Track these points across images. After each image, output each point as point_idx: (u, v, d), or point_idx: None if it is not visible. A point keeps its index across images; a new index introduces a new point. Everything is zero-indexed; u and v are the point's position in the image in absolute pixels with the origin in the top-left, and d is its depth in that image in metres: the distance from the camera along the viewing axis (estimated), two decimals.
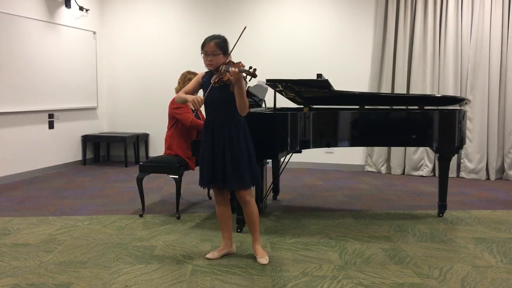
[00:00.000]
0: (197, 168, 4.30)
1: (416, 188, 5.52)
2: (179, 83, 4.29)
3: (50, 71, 6.22)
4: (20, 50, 5.71)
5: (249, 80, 2.91)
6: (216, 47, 2.89)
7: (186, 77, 4.24)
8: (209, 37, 2.95)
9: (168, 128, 4.28)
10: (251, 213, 3.04)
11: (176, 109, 4.14)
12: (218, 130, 2.94)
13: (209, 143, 2.96)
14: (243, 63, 2.82)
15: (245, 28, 2.92)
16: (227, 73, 2.79)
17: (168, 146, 4.25)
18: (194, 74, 4.27)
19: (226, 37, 2.99)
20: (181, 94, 3.04)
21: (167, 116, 4.28)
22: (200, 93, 3.07)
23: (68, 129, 6.69)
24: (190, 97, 2.91)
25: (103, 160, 7.41)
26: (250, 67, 2.77)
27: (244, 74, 2.79)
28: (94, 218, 4.06)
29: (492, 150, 6.08)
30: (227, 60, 2.89)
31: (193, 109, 2.83)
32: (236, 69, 2.74)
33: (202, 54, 2.94)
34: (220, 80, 2.83)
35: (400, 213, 4.34)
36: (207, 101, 2.95)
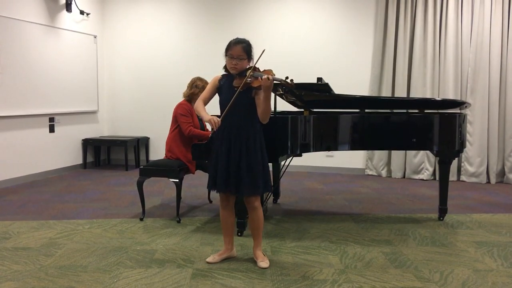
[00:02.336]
0: (198, 172, 4.34)
1: (417, 191, 5.52)
2: (188, 87, 4.31)
3: (51, 75, 6.23)
4: (21, 54, 5.72)
5: (287, 91, 2.89)
6: (243, 51, 2.88)
7: (194, 83, 4.26)
8: (235, 40, 2.91)
9: (170, 130, 4.29)
10: (257, 219, 3.04)
11: (181, 115, 4.16)
12: (235, 135, 2.90)
13: (226, 147, 2.92)
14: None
15: (263, 51, 2.83)
16: (259, 79, 2.76)
17: (169, 149, 4.25)
18: (202, 81, 4.29)
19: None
20: (199, 107, 2.96)
21: (170, 119, 4.29)
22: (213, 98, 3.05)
23: (69, 133, 6.69)
24: (206, 118, 2.85)
25: (103, 164, 7.41)
26: (287, 77, 2.74)
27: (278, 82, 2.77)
28: (94, 222, 4.06)
29: (493, 154, 6.08)
30: (254, 66, 2.85)
31: (211, 129, 2.81)
32: (270, 77, 2.71)
33: (226, 57, 2.92)
34: (245, 84, 2.80)
35: (400, 216, 4.34)
36: (226, 105, 2.89)
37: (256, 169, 2.91)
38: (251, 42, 2.96)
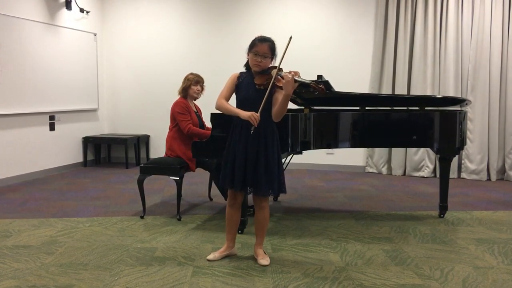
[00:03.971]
0: (198, 170, 4.34)
1: (417, 189, 5.52)
2: (183, 83, 4.31)
3: (51, 73, 6.22)
4: (21, 52, 5.71)
5: (316, 94, 2.86)
6: (269, 49, 2.86)
7: (186, 77, 4.30)
8: (261, 38, 2.89)
9: (169, 128, 4.29)
10: (263, 219, 3.04)
11: (179, 113, 4.16)
12: (253, 134, 2.86)
13: (242, 145, 2.89)
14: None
15: (291, 38, 2.80)
16: (280, 77, 2.74)
17: (169, 147, 4.25)
18: (194, 74, 4.30)
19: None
20: (226, 105, 2.90)
21: (169, 117, 4.29)
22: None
23: (69, 131, 6.69)
24: (244, 114, 2.79)
25: (104, 162, 7.41)
26: (316, 81, 2.71)
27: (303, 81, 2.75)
28: (95, 220, 4.06)
29: (493, 151, 6.08)
30: (279, 66, 2.83)
31: (253, 125, 2.76)
32: (291, 75, 2.69)
33: (251, 54, 2.88)
34: (269, 83, 2.78)
35: (401, 214, 4.34)
36: (243, 103, 2.89)
37: (273, 170, 2.89)
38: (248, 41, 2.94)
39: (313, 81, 2.80)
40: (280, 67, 2.85)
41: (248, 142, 2.88)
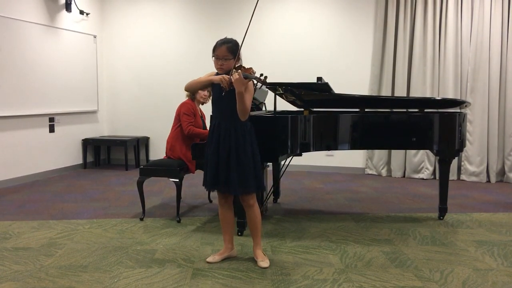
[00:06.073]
0: (198, 171, 4.34)
1: (417, 191, 5.52)
2: None
3: (51, 75, 6.23)
4: (21, 54, 5.72)
5: (259, 87, 2.93)
6: (227, 51, 2.89)
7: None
8: (220, 40, 2.94)
9: (172, 129, 4.28)
10: (254, 218, 3.04)
11: (184, 114, 4.18)
12: (224, 134, 2.92)
13: (214, 146, 2.95)
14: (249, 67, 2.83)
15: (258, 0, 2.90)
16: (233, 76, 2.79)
17: (170, 148, 4.25)
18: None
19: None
20: (196, 79, 3.02)
21: (170, 119, 4.31)
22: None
23: (69, 133, 6.69)
24: (217, 77, 2.88)
25: (103, 164, 7.41)
26: (261, 74, 2.76)
27: (255, 81, 2.82)
28: (94, 222, 4.06)
29: (493, 153, 6.08)
30: (238, 65, 2.88)
31: (223, 88, 2.82)
32: (236, 74, 2.74)
33: (213, 58, 2.95)
34: (230, 84, 2.82)
35: (400, 216, 4.34)
36: (215, 103, 2.99)
37: (246, 168, 2.91)
38: (238, 41, 2.97)
39: (260, 75, 2.81)
40: (241, 64, 2.89)
41: (219, 143, 2.94)
